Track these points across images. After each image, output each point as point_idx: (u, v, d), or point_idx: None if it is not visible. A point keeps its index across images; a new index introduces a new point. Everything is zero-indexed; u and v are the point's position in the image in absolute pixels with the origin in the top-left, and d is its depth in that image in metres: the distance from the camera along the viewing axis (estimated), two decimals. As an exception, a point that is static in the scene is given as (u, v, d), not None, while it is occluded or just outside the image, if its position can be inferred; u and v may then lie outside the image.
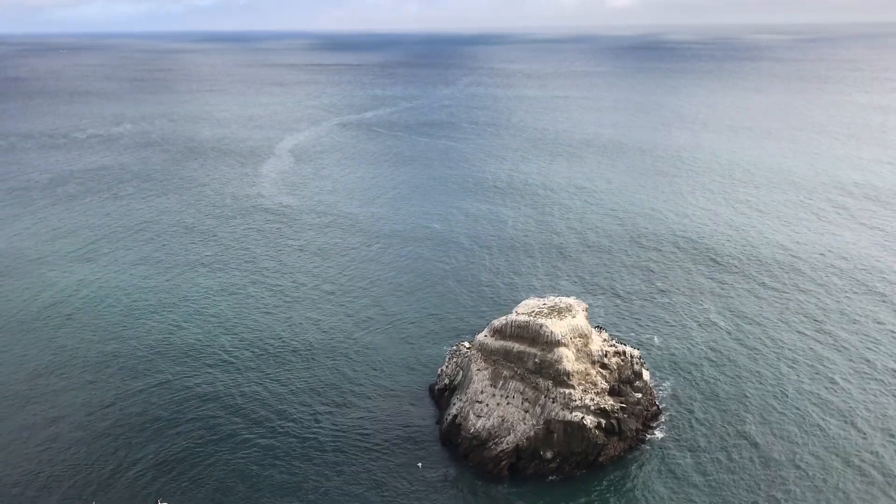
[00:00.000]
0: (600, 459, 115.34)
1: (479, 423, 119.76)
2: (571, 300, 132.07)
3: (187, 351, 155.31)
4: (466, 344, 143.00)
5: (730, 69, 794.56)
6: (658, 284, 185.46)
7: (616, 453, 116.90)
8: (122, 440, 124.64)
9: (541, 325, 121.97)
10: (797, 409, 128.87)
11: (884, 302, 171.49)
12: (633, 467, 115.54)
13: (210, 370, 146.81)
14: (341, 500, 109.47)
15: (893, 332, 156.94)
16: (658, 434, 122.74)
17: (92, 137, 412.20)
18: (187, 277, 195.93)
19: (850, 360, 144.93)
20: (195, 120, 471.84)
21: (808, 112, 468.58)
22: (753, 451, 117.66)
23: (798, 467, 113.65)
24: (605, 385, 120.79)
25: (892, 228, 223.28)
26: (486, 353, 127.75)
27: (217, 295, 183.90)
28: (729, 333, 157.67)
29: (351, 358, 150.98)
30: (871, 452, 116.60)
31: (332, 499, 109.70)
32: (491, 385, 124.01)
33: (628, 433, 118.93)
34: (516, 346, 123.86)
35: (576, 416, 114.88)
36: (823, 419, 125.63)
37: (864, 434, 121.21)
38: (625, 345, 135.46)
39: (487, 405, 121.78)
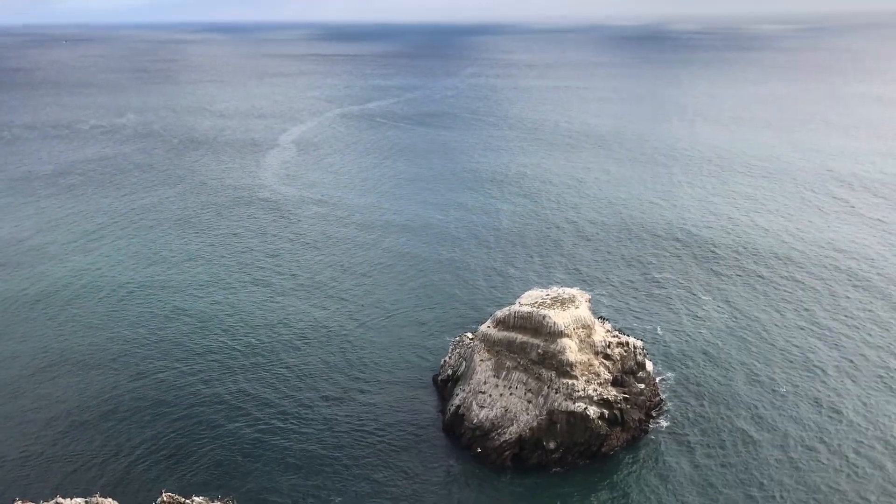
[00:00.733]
0: (603, 450, 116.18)
1: (483, 414, 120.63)
2: (574, 291, 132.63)
3: (188, 336, 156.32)
4: (469, 335, 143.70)
5: (731, 60, 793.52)
6: (659, 276, 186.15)
7: (619, 443, 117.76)
8: (123, 426, 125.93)
9: (544, 316, 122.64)
10: (799, 400, 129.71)
11: (883, 298, 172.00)
12: (635, 457, 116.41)
13: (212, 357, 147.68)
14: (344, 487, 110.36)
15: (893, 324, 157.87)
16: (661, 424, 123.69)
17: (95, 128, 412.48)
18: (187, 267, 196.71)
19: (848, 354, 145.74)
20: (197, 110, 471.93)
21: (808, 103, 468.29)
22: (755, 442, 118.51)
23: (798, 458, 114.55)
24: (607, 376, 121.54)
25: (892, 220, 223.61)
26: (490, 343, 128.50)
27: (216, 284, 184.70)
28: (730, 325, 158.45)
29: (353, 348, 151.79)
30: (869, 444, 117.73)
31: (335, 486, 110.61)
32: (494, 376, 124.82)
33: (631, 423, 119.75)
34: (519, 337, 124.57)
35: (579, 406, 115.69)
36: (822, 412, 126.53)
37: (857, 426, 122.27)
38: (628, 335, 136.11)
39: (490, 396, 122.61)
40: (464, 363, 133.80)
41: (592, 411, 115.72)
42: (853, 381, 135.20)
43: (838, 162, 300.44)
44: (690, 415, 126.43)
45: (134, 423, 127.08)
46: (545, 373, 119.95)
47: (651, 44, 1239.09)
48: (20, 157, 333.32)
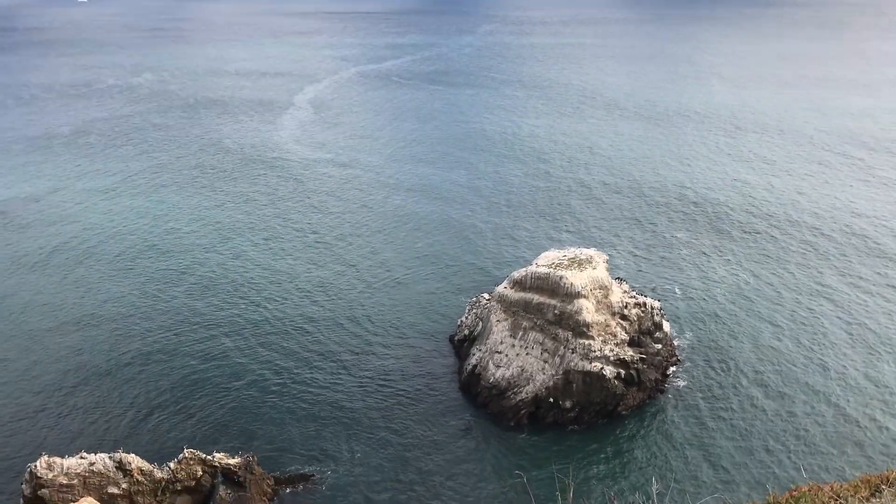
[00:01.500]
0: (619, 409, 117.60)
1: (499, 373, 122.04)
2: (592, 252, 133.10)
3: (204, 294, 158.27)
4: (486, 295, 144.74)
5: (749, 16, 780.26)
6: (673, 238, 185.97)
7: (635, 403, 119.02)
8: (142, 382, 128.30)
9: (561, 277, 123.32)
10: (818, 360, 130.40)
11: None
12: (651, 416, 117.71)
13: (228, 315, 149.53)
14: (361, 447, 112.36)
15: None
16: (677, 384, 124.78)
17: (112, 87, 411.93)
18: (200, 225, 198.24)
19: (866, 316, 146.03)
20: (213, 70, 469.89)
21: (829, 60, 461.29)
22: (770, 400, 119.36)
23: (813, 415, 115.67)
24: (624, 336, 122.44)
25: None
26: (506, 304, 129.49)
27: (232, 243, 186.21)
28: (747, 287, 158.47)
29: (368, 310, 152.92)
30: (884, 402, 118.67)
31: (353, 444, 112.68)
32: (510, 336, 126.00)
33: (647, 383, 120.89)
34: (536, 298, 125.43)
35: (595, 366, 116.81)
36: (839, 371, 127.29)
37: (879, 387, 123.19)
38: (645, 296, 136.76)
39: (507, 355, 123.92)
40: (480, 323, 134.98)
41: (609, 371, 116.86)
42: (869, 348, 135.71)
43: (859, 122, 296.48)
44: (706, 375, 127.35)
45: (152, 379, 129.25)
46: (562, 333, 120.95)
47: None
48: (38, 117, 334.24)
